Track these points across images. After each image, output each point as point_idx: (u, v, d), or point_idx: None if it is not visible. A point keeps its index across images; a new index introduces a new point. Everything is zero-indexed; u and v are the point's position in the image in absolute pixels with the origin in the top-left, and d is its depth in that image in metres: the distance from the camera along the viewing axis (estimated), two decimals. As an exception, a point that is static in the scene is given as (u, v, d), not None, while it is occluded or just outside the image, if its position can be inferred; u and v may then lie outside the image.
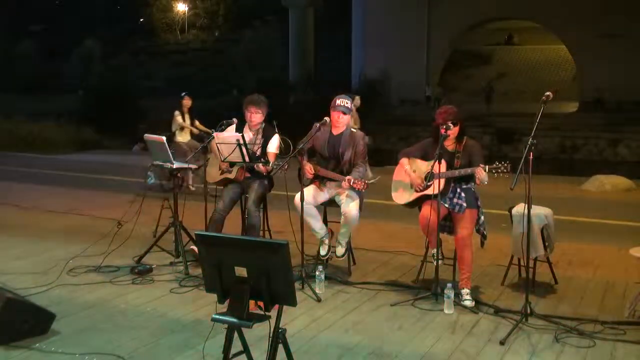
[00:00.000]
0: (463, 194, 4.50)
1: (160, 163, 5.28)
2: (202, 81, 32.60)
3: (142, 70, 34.51)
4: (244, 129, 5.33)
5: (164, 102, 29.70)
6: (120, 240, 5.81)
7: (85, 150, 18.35)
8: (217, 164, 5.36)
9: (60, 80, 35.43)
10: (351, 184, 4.64)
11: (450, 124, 4.38)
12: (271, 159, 5.15)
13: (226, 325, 2.88)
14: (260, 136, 5.29)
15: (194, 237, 5.04)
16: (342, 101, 4.90)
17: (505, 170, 4.10)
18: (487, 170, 4.19)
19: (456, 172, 4.37)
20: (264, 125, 5.36)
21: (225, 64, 33.80)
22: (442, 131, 4.36)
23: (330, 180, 5.00)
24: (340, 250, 5.01)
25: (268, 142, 5.25)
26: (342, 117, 4.90)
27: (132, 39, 37.92)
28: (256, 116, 5.26)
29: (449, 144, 4.55)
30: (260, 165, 5.00)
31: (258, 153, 5.18)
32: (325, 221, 5.23)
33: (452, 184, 4.49)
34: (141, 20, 41.92)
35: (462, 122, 4.46)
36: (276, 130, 5.28)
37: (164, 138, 5.16)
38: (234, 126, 5.37)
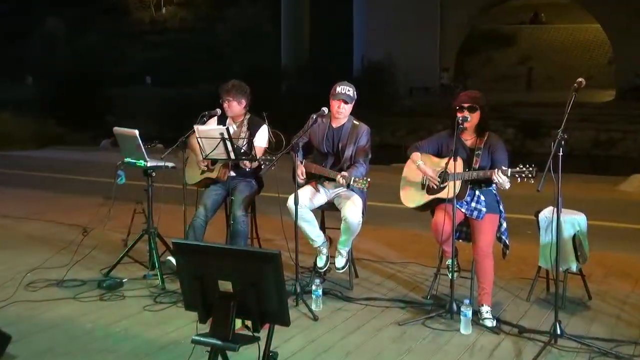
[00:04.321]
0: (482, 198, 4.49)
1: (132, 160, 5.27)
2: (181, 66, 32.58)
3: (112, 53, 34.46)
4: (228, 121, 5.33)
5: (136, 90, 29.71)
6: (86, 249, 5.80)
7: (47, 146, 18.32)
8: (197, 163, 5.35)
9: (19, 66, 35.36)
10: (350, 182, 4.61)
11: (465, 106, 4.38)
12: (259, 154, 5.15)
13: (209, 348, 2.87)
14: (245, 129, 5.28)
15: (171, 246, 5.03)
16: (342, 88, 4.89)
17: (530, 175, 4.09)
18: (508, 174, 4.17)
19: (474, 174, 4.35)
20: (249, 116, 5.36)
21: (207, 46, 33.81)
22: (459, 115, 4.34)
23: (329, 179, 5.00)
24: (340, 262, 5.00)
25: (255, 135, 5.24)
26: (343, 106, 4.89)
27: (100, 18, 37.85)
28: (232, 105, 5.26)
29: (468, 138, 4.54)
30: (246, 161, 4.99)
31: (244, 148, 5.17)
32: (323, 227, 5.23)
33: (470, 186, 4.48)
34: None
35: (483, 111, 4.44)
36: (264, 122, 5.27)
37: (136, 132, 5.15)
38: (215, 118, 5.37)
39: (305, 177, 4.99)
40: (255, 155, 5.13)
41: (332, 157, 5.04)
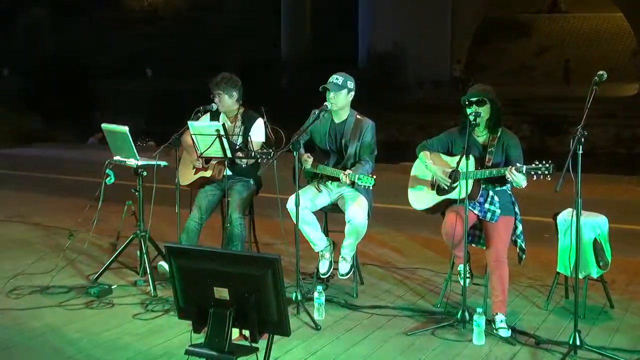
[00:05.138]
0: (496, 198, 4.49)
1: (122, 159, 5.28)
2: (174, 58, 32.59)
3: (100, 44, 34.47)
4: (221, 116, 5.34)
5: (127, 83, 29.69)
6: (73, 254, 5.81)
7: (30, 143, 18.34)
8: (191, 161, 5.36)
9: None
10: (355, 179, 4.61)
11: (473, 100, 4.39)
12: (256, 149, 5.13)
13: (203, 360, 2.88)
14: (240, 123, 5.29)
15: (163, 250, 5.04)
16: (332, 77, 4.94)
17: (547, 172, 4.09)
18: (523, 171, 4.17)
19: (487, 172, 4.36)
20: (243, 110, 5.37)
21: (202, 37, 33.84)
22: (468, 110, 4.35)
23: (333, 179, 5.00)
24: (344, 267, 5.00)
25: (250, 130, 5.24)
26: (333, 95, 4.89)
27: (87, 6, 37.89)
28: (224, 99, 5.28)
29: (480, 135, 4.54)
30: (240, 155, 4.99)
31: (239, 144, 5.16)
32: (325, 230, 5.23)
33: (483, 186, 4.48)
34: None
35: (494, 104, 4.45)
36: (260, 115, 5.28)
37: (126, 128, 5.16)
38: (208, 114, 5.38)
39: (312, 158, 5.00)
40: (252, 150, 5.11)
41: (334, 154, 5.04)
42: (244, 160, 5.10)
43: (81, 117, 23.62)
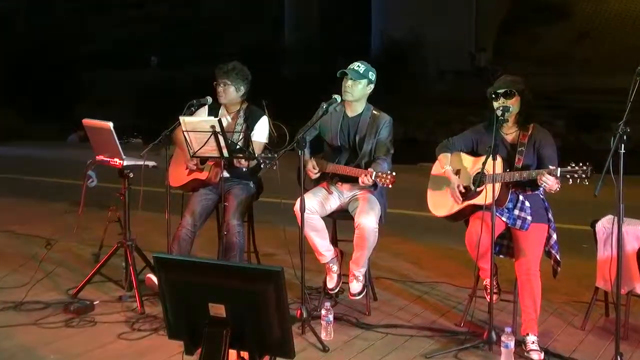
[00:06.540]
0: (527, 204, 4.48)
1: (106, 159, 5.29)
2: (164, 46, 32.67)
3: (80, 30, 34.60)
4: (221, 111, 5.35)
5: (111, 74, 29.73)
6: (50, 266, 5.82)
7: (3, 142, 18.40)
8: (184, 161, 5.36)
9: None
10: (373, 178, 4.59)
11: (500, 92, 4.39)
12: (258, 151, 5.15)
13: (196, 385, 2.88)
14: (242, 121, 5.30)
15: (151, 261, 5.04)
16: (352, 64, 4.95)
17: (584, 176, 4.09)
18: (558, 175, 4.16)
19: (516, 175, 4.34)
20: (246, 105, 5.38)
21: (196, 21, 33.93)
22: (495, 104, 4.34)
23: (344, 180, 4.99)
24: (356, 287, 4.96)
25: (253, 128, 5.25)
26: (351, 84, 4.90)
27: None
28: (229, 92, 5.29)
29: (509, 133, 4.54)
30: (242, 159, 5.00)
31: (240, 144, 5.18)
32: (335, 240, 5.22)
33: (512, 190, 4.47)
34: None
35: (523, 97, 4.44)
36: (265, 113, 5.29)
37: (110, 124, 5.17)
38: (206, 107, 5.38)
39: (317, 171, 5.01)
40: (254, 152, 5.13)
41: (347, 152, 5.04)
42: (245, 162, 5.09)
43: (61, 111, 23.66)
